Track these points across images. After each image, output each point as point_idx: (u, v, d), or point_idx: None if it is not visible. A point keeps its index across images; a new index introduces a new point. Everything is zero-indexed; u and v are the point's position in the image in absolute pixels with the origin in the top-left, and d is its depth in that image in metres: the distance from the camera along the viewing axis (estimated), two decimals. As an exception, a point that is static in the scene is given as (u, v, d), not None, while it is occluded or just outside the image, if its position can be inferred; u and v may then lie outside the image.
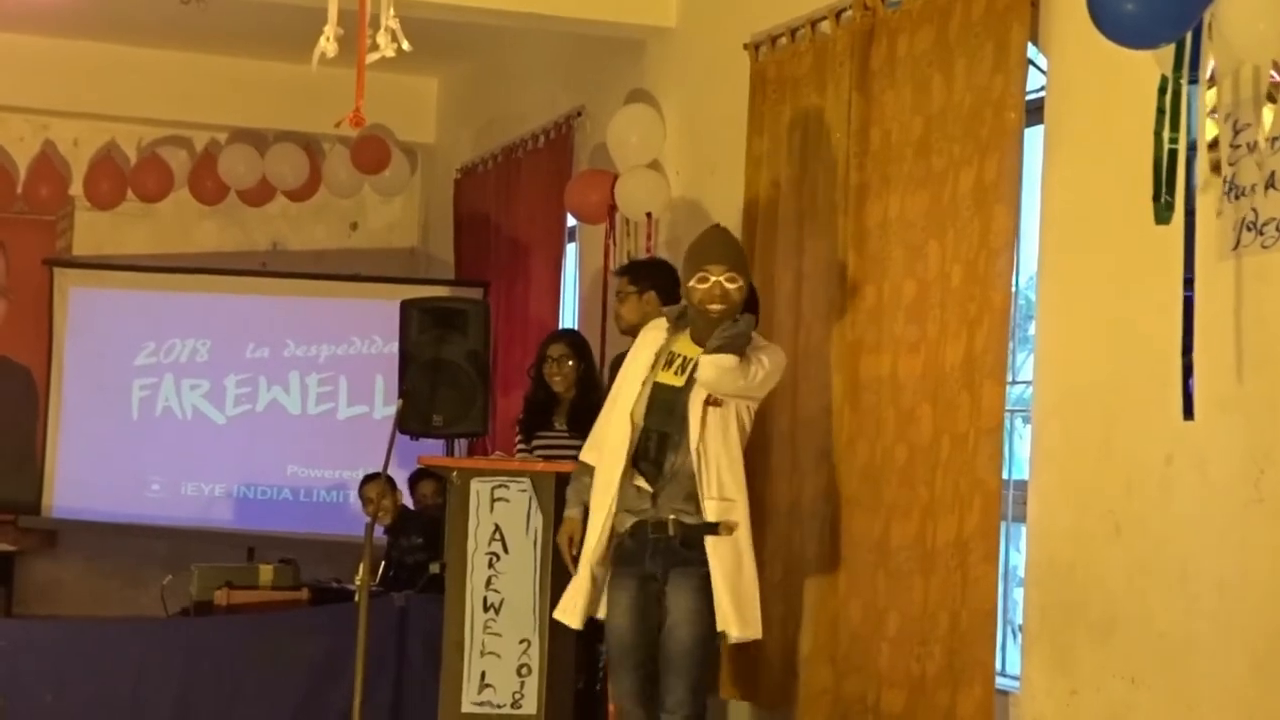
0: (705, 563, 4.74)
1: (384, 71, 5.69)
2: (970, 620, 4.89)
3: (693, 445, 4.74)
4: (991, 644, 4.86)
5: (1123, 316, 4.54)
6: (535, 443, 6.52)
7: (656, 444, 4.82)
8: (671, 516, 4.78)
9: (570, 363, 6.51)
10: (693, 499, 4.76)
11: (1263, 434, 4.02)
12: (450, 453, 7.87)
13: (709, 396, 4.76)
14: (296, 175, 10.22)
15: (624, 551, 4.86)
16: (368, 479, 7.63)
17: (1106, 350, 4.60)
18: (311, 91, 6.72)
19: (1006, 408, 4.98)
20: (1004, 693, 4.94)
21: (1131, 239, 4.44)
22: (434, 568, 6.56)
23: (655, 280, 5.95)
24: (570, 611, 4.92)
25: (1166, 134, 3.98)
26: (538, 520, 5.52)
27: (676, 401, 4.81)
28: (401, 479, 7.79)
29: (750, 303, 5.02)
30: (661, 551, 4.80)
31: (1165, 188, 3.99)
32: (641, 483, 4.83)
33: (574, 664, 5.81)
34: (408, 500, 7.95)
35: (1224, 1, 3.75)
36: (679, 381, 4.82)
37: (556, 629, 5.49)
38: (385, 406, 9.15)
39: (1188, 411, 4.02)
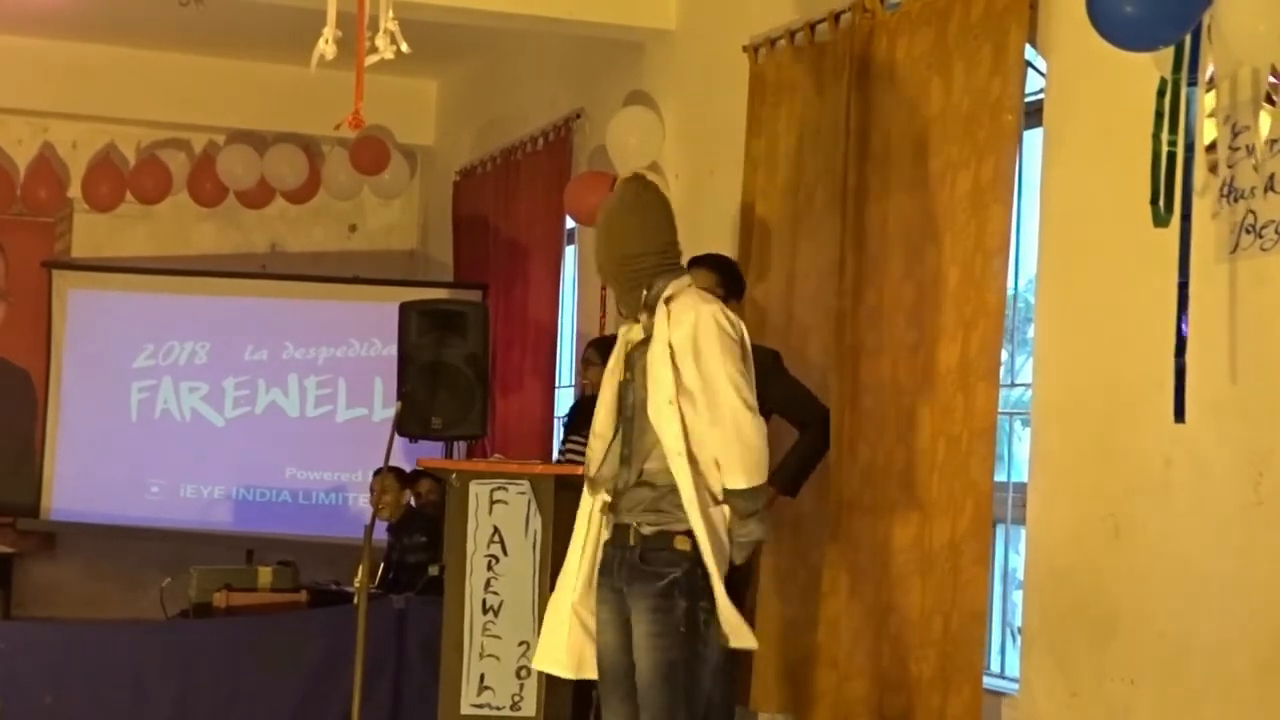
0: (663, 576, 4.19)
1: (383, 73, 5.70)
2: (960, 622, 4.89)
3: (677, 452, 4.19)
4: (980, 646, 4.86)
5: (1122, 319, 4.54)
6: (566, 445, 6.59)
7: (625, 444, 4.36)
8: (634, 524, 4.28)
9: (593, 367, 6.58)
10: (653, 509, 4.24)
11: (1262, 436, 4.02)
12: (449, 455, 7.87)
13: (675, 396, 4.20)
14: (295, 177, 10.22)
15: (603, 560, 4.39)
16: (378, 473, 7.62)
17: (1106, 352, 4.60)
18: (310, 93, 6.72)
19: (1005, 410, 4.98)
20: (1004, 695, 4.94)
21: (1131, 241, 4.44)
22: (433, 570, 6.56)
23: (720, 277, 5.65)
24: (553, 658, 4.46)
25: (1165, 136, 3.98)
26: (536, 522, 5.52)
27: (625, 396, 4.36)
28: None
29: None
30: (626, 563, 4.30)
31: (1164, 190, 3.99)
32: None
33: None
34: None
35: (1223, 4, 3.75)
36: (626, 375, 4.38)
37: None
38: (384, 409, 9.14)
39: (1179, 414, 4.01)
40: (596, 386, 6.51)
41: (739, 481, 4.18)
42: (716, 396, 4.18)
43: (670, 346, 4.21)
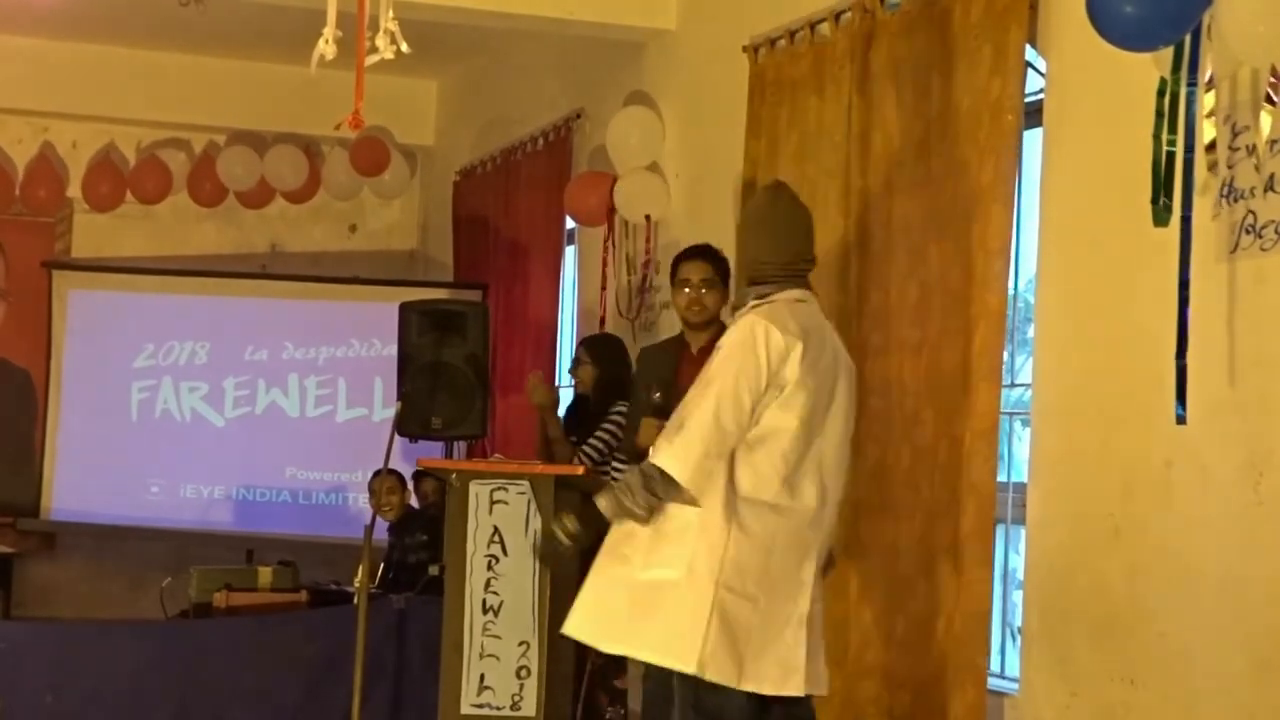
0: None
1: (383, 73, 5.70)
2: (964, 623, 4.89)
3: None
4: (984, 646, 4.86)
5: (1122, 319, 4.54)
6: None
7: None
8: None
9: (582, 366, 6.58)
10: None
11: (1262, 437, 4.02)
12: (449, 455, 7.87)
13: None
14: (295, 177, 10.21)
15: None
16: (378, 473, 7.62)
17: (1106, 353, 4.60)
18: (310, 93, 6.72)
19: (1005, 410, 4.98)
20: (1004, 695, 4.94)
21: (1131, 241, 4.44)
22: (433, 570, 6.56)
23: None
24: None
25: (1165, 136, 3.98)
26: (536, 522, 5.51)
27: None
28: (409, 476, 7.78)
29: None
30: None
31: (1163, 190, 3.99)
32: None
33: (574, 667, 5.80)
34: (415, 501, 7.93)
35: (1222, 4, 3.75)
36: None
37: (555, 631, 5.50)
38: (384, 409, 9.14)
39: (1180, 415, 4.01)
40: (587, 385, 6.54)
41: (662, 458, 4.12)
42: (700, 388, 4.18)
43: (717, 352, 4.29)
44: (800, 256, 4.40)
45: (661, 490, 4.12)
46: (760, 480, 4.18)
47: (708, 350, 4.65)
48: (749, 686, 4.18)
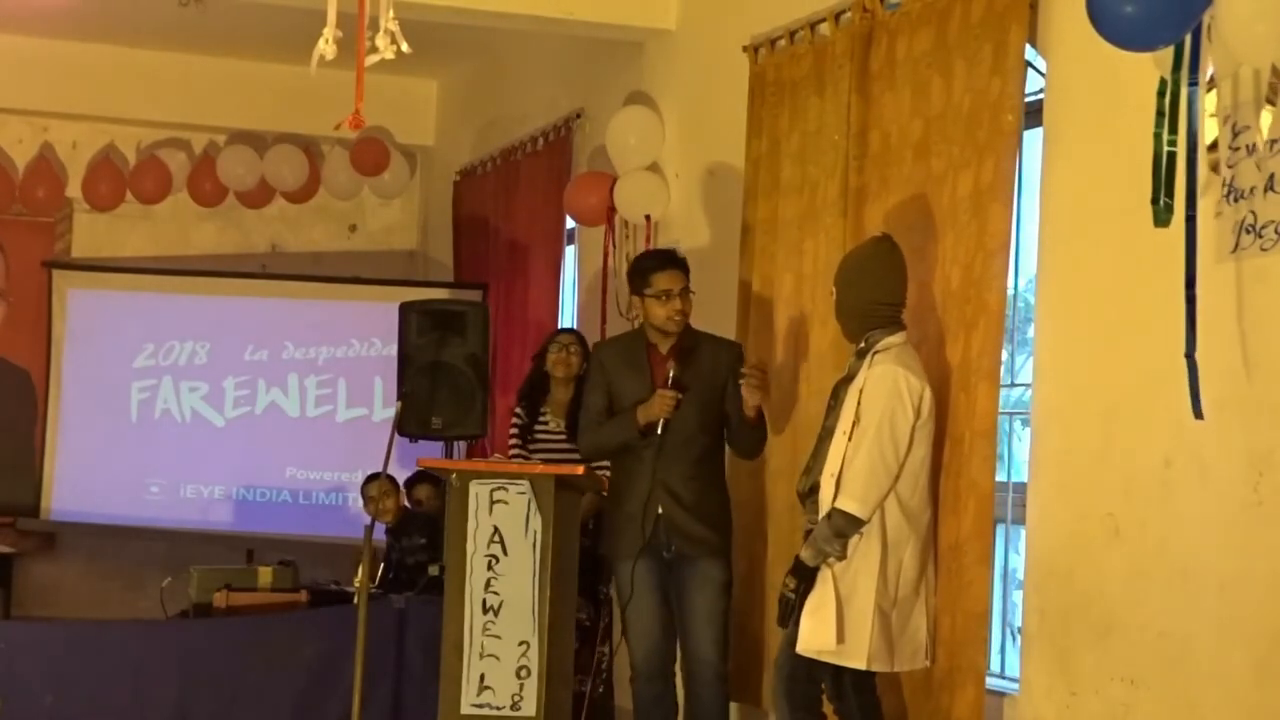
0: None
1: (383, 73, 5.71)
2: (964, 622, 4.89)
3: (830, 473, 4.89)
4: (983, 646, 4.86)
5: (1122, 319, 4.54)
6: (531, 446, 6.57)
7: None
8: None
9: (576, 350, 6.58)
10: None
11: (1262, 436, 4.02)
12: (449, 455, 7.87)
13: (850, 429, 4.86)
14: (295, 177, 10.22)
15: None
16: (371, 478, 7.62)
17: (1106, 352, 4.60)
18: (310, 93, 6.72)
19: (1005, 410, 4.98)
20: (1004, 695, 4.94)
21: (1131, 241, 4.44)
22: (433, 570, 6.56)
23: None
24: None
25: (1166, 136, 3.98)
26: (537, 522, 5.51)
27: (825, 419, 5.06)
28: (401, 480, 7.78)
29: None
30: None
31: (1164, 190, 3.99)
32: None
33: (573, 666, 5.81)
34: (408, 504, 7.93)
35: (1223, 3, 3.75)
36: (830, 403, 5.06)
37: (556, 631, 5.50)
38: (384, 409, 9.15)
39: (1196, 410, 4.00)
40: (571, 376, 6.55)
41: (848, 505, 4.71)
42: (864, 434, 4.73)
43: (860, 392, 4.78)
44: (903, 299, 4.95)
45: (850, 530, 4.72)
46: (903, 503, 4.79)
47: (676, 351, 5.57)
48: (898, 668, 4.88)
